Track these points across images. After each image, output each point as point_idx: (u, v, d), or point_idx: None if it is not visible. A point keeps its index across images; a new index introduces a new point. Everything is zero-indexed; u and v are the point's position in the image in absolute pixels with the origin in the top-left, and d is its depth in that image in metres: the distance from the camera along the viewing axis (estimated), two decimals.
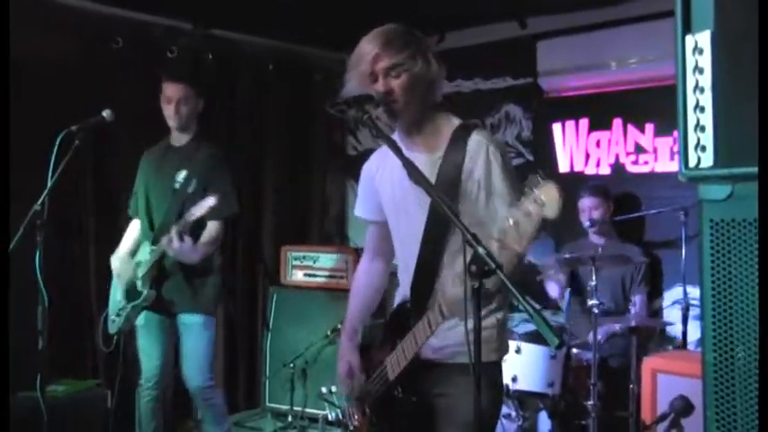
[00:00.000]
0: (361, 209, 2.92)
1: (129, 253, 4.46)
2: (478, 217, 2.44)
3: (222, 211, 4.14)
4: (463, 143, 2.54)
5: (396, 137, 2.58)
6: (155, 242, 4.24)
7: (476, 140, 2.54)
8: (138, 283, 4.24)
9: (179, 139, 4.44)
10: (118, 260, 4.42)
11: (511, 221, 2.02)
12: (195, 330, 4.31)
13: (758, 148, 1.46)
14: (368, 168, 2.87)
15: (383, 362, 2.68)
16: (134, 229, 4.55)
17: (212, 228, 4.22)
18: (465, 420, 2.46)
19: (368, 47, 2.54)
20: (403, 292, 2.73)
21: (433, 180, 2.43)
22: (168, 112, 4.35)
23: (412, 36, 2.59)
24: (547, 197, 1.95)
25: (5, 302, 2.97)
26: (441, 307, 2.36)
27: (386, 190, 2.74)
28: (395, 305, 2.80)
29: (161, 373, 4.39)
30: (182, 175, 4.28)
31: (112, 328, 4.35)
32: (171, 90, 4.34)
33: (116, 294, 4.40)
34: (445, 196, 2.29)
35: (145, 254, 4.30)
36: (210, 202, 3.89)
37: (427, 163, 2.51)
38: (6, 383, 2.68)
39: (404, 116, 2.55)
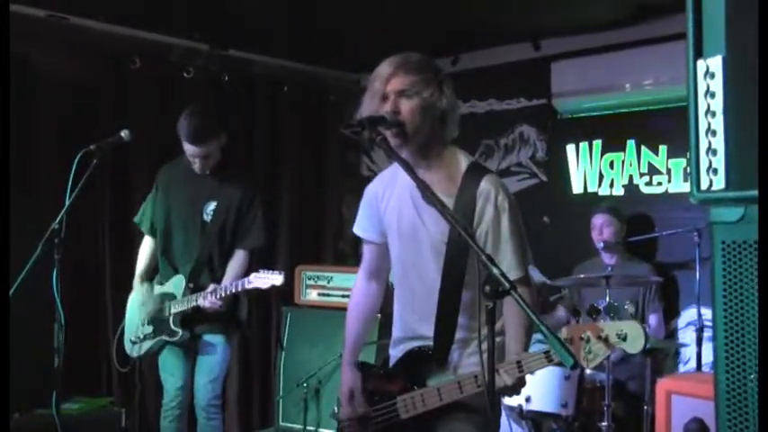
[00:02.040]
0: (360, 229, 2.93)
1: (146, 274, 4.49)
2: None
3: (249, 242, 4.32)
4: (474, 189, 2.56)
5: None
6: (191, 279, 4.27)
7: (485, 188, 2.55)
8: (171, 320, 4.27)
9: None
10: (140, 286, 4.46)
11: (585, 335, 2.06)
12: (211, 349, 4.34)
13: (758, 172, 1.47)
14: (373, 190, 2.88)
15: (392, 394, 2.69)
16: (147, 247, 4.54)
17: (239, 257, 4.31)
18: None
19: (384, 68, 2.58)
20: (407, 328, 2.74)
21: (446, 224, 2.39)
22: (191, 161, 4.28)
23: (429, 64, 2.62)
24: (630, 333, 1.99)
25: (5, 317, 2.99)
26: (477, 379, 2.42)
27: (392, 219, 2.75)
28: (397, 337, 2.80)
29: (183, 394, 4.38)
30: (211, 206, 4.31)
31: (132, 351, 4.40)
32: (190, 150, 4.23)
33: (135, 317, 4.43)
34: (459, 245, 2.38)
35: (178, 288, 4.31)
36: (278, 281, 3.98)
37: None
38: (6, 400, 2.69)
39: (412, 141, 2.56)
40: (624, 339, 2.06)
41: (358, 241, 7.46)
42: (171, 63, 5.70)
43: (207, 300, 4.12)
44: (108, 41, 5.30)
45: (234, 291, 4.09)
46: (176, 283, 4.33)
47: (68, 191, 3.64)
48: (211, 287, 4.17)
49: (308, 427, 5.50)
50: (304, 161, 6.65)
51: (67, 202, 3.62)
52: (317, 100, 6.72)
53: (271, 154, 6.43)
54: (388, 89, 2.54)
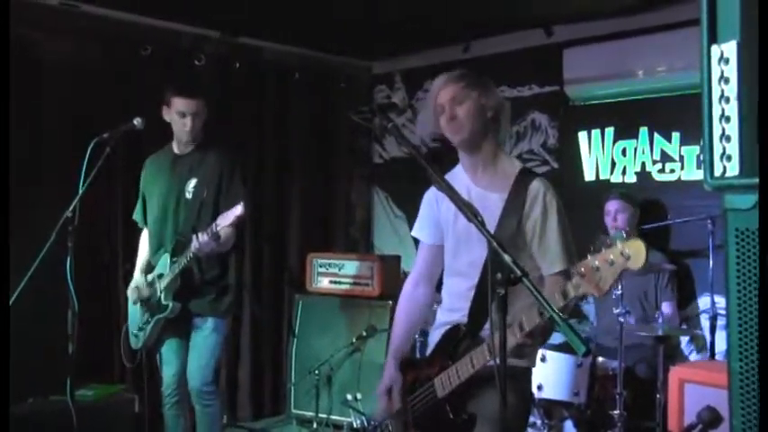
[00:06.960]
0: (419, 231, 3.08)
1: (144, 268, 4.46)
2: (531, 252, 2.75)
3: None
4: (525, 188, 2.77)
5: (459, 170, 2.91)
6: (175, 254, 4.20)
7: (535, 187, 2.77)
8: (162, 296, 4.20)
9: (184, 148, 4.37)
10: (135, 279, 4.44)
11: (594, 264, 2.13)
12: (202, 332, 4.28)
13: (759, 160, 1.46)
14: (432, 194, 3.03)
15: (430, 378, 2.79)
16: (144, 241, 4.54)
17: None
18: (492, 426, 2.59)
19: (435, 84, 2.86)
20: (450, 313, 2.88)
21: (496, 218, 2.72)
22: (180, 125, 4.27)
23: (471, 72, 2.88)
24: (632, 251, 2.04)
25: (6, 307, 3.02)
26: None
27: (448, 220, 2.91)
28: (439, 322, 2.94)
29: (177, 382, 4.35)
30: (192, 183, 4.27)
31: (135, 343, 4.38)
32: (184, 105, 4.23)
33: (135, 310, 4.40)
34: (506, 234, 2.63)
35: (164, 266, 4.25)
36: (238, 211, 3.81)
37: (496, 202, 2.77)
38: (6, 388, 2.71)
39: (469, 144, 2.81)
40: (628, 258, 2.10)
41: (368, 229, 7.48)
42: (182, 50, 5.71)
43: (199, 240, 3.94)
44: (119, 29, 5.31)
45: (211, 235, 3.90)
46: (163, 263, 4.26)
47: (82, 179, 3.66)
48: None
49: (320, 415, 5.52)
50: (314, 148, 6.65)
51: (81, 191, 3.64)
52: (327, 87, 6.71)
53: (281, 141, 6.43)
54: (441, 100, 2.80)
